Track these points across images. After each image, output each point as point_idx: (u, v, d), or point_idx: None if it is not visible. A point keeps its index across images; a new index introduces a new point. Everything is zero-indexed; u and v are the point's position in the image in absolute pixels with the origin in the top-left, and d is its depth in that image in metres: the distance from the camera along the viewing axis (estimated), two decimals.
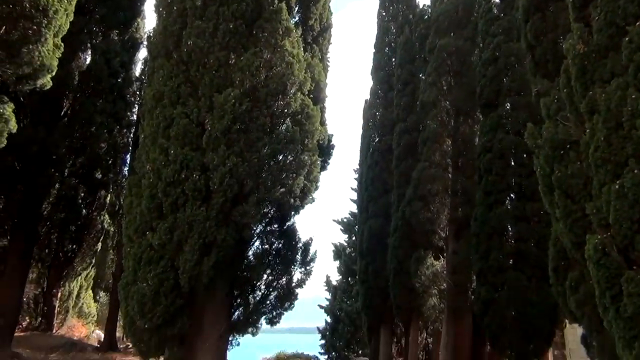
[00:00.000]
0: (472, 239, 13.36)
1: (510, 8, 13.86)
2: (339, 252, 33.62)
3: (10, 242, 13.71)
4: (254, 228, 6.86)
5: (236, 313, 6.89)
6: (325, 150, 8.33)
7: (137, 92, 16.69)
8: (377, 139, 22.35)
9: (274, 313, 7.02)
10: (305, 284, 7.21)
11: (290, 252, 7.17)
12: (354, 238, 30.96)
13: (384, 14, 23.40)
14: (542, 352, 13.07)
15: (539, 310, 11.83)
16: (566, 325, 15.25)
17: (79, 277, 20.59)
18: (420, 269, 15.69)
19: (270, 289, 6.99)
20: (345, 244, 33.68)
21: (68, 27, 8.42)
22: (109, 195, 17.12)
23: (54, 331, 18.57)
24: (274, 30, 6.27)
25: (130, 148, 16.35)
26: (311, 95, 6.83)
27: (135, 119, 16.28)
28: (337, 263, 33.66)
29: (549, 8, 7.97)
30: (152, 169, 5.93)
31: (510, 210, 12.77)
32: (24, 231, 13.19)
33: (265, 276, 7.01)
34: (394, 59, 21.91)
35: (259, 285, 6.98)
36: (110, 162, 15.53)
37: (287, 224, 7.34)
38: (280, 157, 6.33)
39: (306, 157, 6.48)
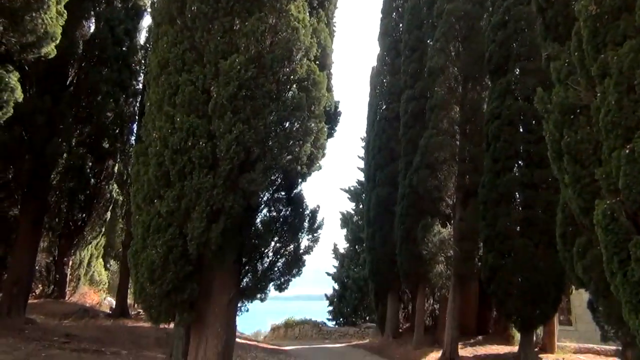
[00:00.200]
0: (479, 206, 13.38)
1: None
2: (346, 221, 33.80)
3: (21, 212, 13.86)
4: (262, 195, 6.87)
5: (245, 280, 6.94)
6: (332, 117, 8.26)
7: (142, 61, 16.59)
8: (384, 107, 22.18)
9: (282, 279, 7.06)
10: (312, 251, 7.24)
11: (297, 220, 7.17)
12: (361, 206, 31.05)
13: None
14: (548, 318, 13.22)
15: (545, 277, 11.91)
16: (572, 291, 15.37)
17: (90, 246, 20.91)
18: (427, 237, 15.75)
19: (278, 256, 7.03)
20: (353, 212, 33.82)
21: None
22: (117, 164, 17.21)
23: (66, 298, 18.96)
24: None
25: (137, 117, 16.35)
26: (317, 62, 6.74)
27: (140, 87, 16.22)
28: (344, 231, 33.89)
29: None
30: (158, 137, 5.92)
31: (518, 177, 12.73)
32: (34, 200, 13.31)
33: (273, 243, 7.03)
34: (401, 25, 21.54)
35: (267, 252, 7.01)
36: (117, 131, 15.55)
37: (295, 191, 7.33)
38: (287, 124, 6.28)
39: (313, 124, 6.43)
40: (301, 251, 7.20)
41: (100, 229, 18.82)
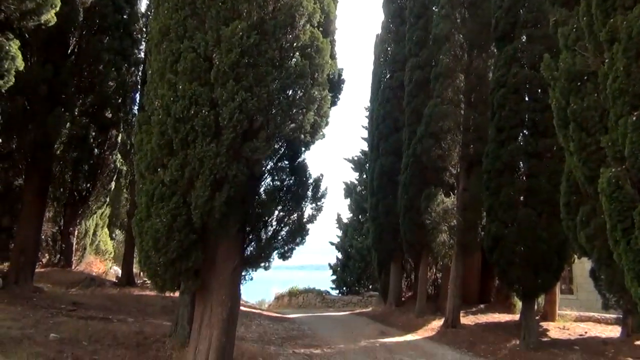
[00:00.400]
0: (483, 175, 13.33)
1: None
2: (349, 190, 33.86)
3: (26, 182, 13.93)
4: (265, 164, 6.85)
5: (249, 248, 6.98)
6: (335, 85, 8.17)
7: (144, 29, 16.39)
8: (388, 75, 21.97)
9: (286, 248, 7.09)
10: (316, 220, 7.25)
11: (301, 189, 7.16)
12: (364, 176, 31.08)
13: None
14: (549, 287, 13.31)
15: (548, 246, 11.94)
16: (574, 260, 15.46)
17: (95, 216, 21.06)
18: (430, 206, 15.78)
19: (282, 225, 7.04)
20: (356, 182, 33.87)
21: None
22: (120, 134, 17.19)
23: (73, 267, 19.19)
24: None
25: (139, 87, 16.25)
26: (320, 28, 6.62)
27: (142, 56, 16.07)
28: (347, 201, 34.01)
29: None
30: (161, 105, 5.87)
31: (522, 146, 12.64)
32: (38, 171, 13.36)
33: (276, 212, 7.02)
34: None
35: (271, 221, 7.02)
36: (119, 101, 15.48)
37: (298, 160, 7.31)
38: (290, 92, 6.20)
39: (316, 92, 6.36)
40: (305, 220, 7.20)
41: (104, 199, 18.92)
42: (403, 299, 21.75)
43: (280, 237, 7.08)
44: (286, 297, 29.14)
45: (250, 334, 13.26)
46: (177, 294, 8.91)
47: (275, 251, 7.11)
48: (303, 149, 7.36)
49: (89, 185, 17.31)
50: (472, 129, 15.35)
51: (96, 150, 16.13)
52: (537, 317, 14.33)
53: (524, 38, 13.07)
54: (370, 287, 29.60)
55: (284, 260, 7.25)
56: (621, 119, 5.28)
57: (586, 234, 7.55)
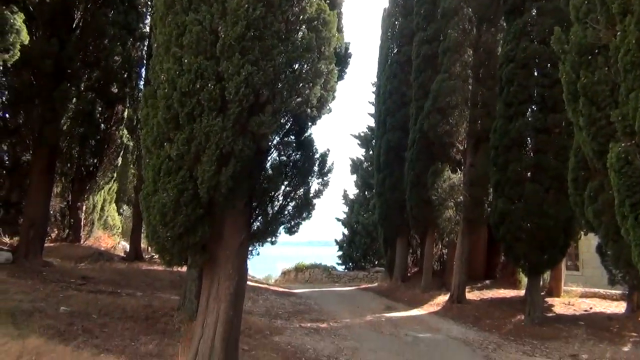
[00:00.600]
0: (490, 151, 13.27)
1: None
2: (356, 166, 33.85)
3: (33, 157, 13.98)
4: (271, 139, 6.81)
5: (255, 223, 6.99)
6: (342, 59, 8.09)
7: (149, 2, 16.21)
8: (395, 50, 21.77)
9: (292, 223, 7.10)
10: (322, 195, 7.24)
11: (307, 164, 7.13)
12: (371, 152, 31.01)
13: None
14: (555, 263, 13.35)
15: (555, 222, 11.93)
16: (581, 236, 15.45)
17: (102, 191, 21.18)
18: (437, 182, 15.78)
19: (289, 200, 7.03)
20: (363, 158, 33.82)
21: None
22: (127, 110, 17.15)
23: (81, 242, 19.38)
24: None
25: (145, 61, 16.17)
26: (327, 0, 6.52)
27: (147, 30, 15.94)
28: (354, 177, 34.02)
29: None
30: (166, 79, 5.82)
31: (530, 122, 12.55)
32: (45, 146, 13.37)
33: (283, 187, 7.01)
34: None
35: (277, 196, 7.01)
36: (125, 75, 15.40)
37: (304, 135, 7.26)
38: (296, 66, 6.13)
39: (323, 66, 6.28)
40: (311, 195, 7.19)
41: (112, 174, 18.97)
42: (409, 274, 21.90)
43: (286, 212, 7.08)
44: (292, 272, 29.37)
45: (257, 309, 13.41)
46: (184, 268, 8.99)
47: (282, 226, 7.11)
48: (309, 123, 7.30)
49: (96, 160, 17.34)
50: (480, 104, 15.22)
51: (103, 125, 16.10)
52: (542, 293, 14.40)
53: (534, 11, 12.87)
54: (376, 262, 29.79)
55: (290, 235, 7.26)
56: (632, 93, 5.21)
57: (594, 209, 7.53)
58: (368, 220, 30.24)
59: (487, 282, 18.79)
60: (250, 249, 7.07)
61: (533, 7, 12.84)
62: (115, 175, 19.73)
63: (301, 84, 6.18)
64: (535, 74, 12.66)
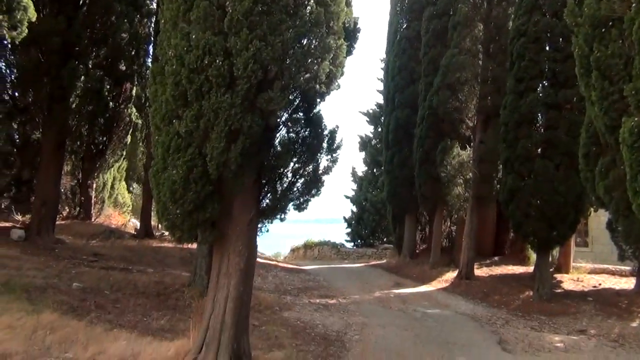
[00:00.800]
0: (500, 127, 13.17)
1: None
2: (364, 144, 33.73)
3: (43, 135, 14.05)
4: (280, 116, 6.77)
5: (265, 200, 6.99)
6: (350, 34, 7.97)
7: None
8: (404, 25, 21.48)
9: (302, 199, 7.09)
10: (331, 171, 7.22)
11: (316, 140, 7.09)
12: (379, 129, 30.86)
13: None
14: (565, 239, 13.31)
15: (565, 199, 11.88)
16: (591, 213, 15.38)
17: (112, 169, 21.29)
18: (446, 159, 15.71)
19: (297, 176, 7.01)
20: (371, 135, 33.68)
21: None
22: (135, 87, 17.14)
23: (92, 220, 19.58)
24: None
25: (152, 38, 16.09)
26: None
27: (154, 7, 15.82)
28: (362, 154, 33.94)
29: None
30: (174, 55, 5.79)
31: (541, 97, 12.41)
32: (55, 124, 13.42)
33: (292, 164, 6.98)
34: None
35: (286, 172, 6.99)
36: (133, 53, 15.37)
37: (313, 111, 7.20)
38: (305, 41, 6.06)
39: (331, 41, 6.20)
40: (320, 172, 7.17)
41: (121, 152, 19.06)
42: (417, 251, 21.97)
43: (295, 189, 7.07)
44: (302, 249, 29.57)
45: (266, 285, 13.55)
46: (194, 245, 9.06)
47: (291, 202, 7.11)
48: (318, 100, 7.24)
49: (105, 138, 17.39)
50: (490, 80, 15.06)
51: (111, 103, 16.10)
52: (551, 270, 14.41)
53: None
54: (385, 239, 29.89)
55: (299, 211, 7.27)
56: None
57: (605, 185, 7.48)
58: (377, 197, 30.25)
59: (496, 258, 18.82)
60: (259, 225, 7.09)
61: None
62: (124, 153, 19.82)
63: (310, 60, 6.12)
64: (547, 48, 12.47)
